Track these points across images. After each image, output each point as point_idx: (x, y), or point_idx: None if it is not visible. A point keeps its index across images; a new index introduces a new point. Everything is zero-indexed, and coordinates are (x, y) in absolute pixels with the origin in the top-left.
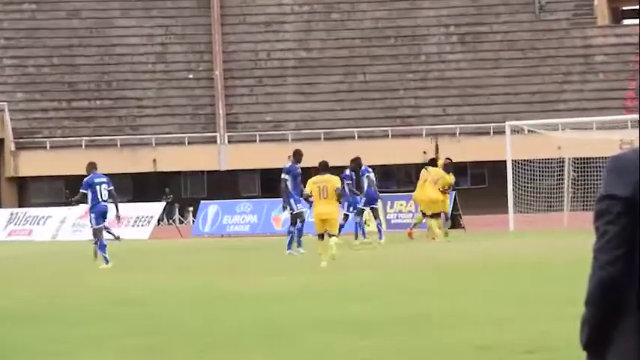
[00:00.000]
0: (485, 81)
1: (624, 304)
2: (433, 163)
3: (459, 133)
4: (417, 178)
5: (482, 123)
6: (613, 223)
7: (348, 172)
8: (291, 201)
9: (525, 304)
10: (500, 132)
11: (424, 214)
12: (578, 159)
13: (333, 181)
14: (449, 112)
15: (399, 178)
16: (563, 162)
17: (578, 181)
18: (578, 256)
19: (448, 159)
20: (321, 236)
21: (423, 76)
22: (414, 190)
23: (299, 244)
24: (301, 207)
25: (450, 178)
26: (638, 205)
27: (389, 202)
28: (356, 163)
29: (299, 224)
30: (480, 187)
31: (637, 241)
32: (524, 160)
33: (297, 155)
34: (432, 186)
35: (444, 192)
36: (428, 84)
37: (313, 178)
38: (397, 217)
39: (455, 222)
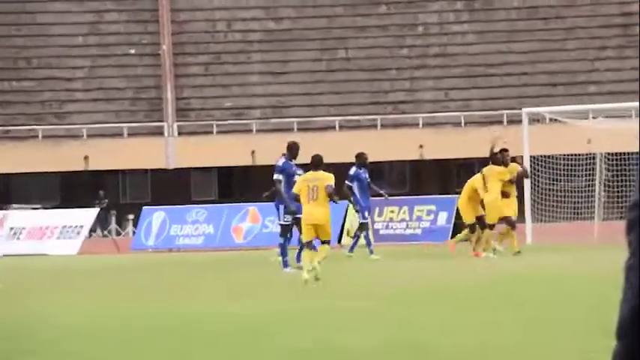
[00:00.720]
0: (498, 58)
1: None
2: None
3: (465, 123)
4: (412, 177)
5: (493, 110)
6: None
7: (354, 170)
8: (281, 208)
9: (546, 335)
10: (515, 121)
11: (473, 227)
12: (612, 154)
13: (326, 179)
14: (452, 96)
15: (391, 179)
16: (594, 158)
17: (612, 182)
18: (611, 276)
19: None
20: (308, 244)
21: (420, 52)
22: (407, 193)
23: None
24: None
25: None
26: None
27: (377, 209)
28: (361, 159)
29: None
30: None
31: None
32: (546, 156)
33: (293, 149)
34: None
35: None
36: (426, 62)
37: (304, 175)
38: (387, 227)
39: (458, 232)
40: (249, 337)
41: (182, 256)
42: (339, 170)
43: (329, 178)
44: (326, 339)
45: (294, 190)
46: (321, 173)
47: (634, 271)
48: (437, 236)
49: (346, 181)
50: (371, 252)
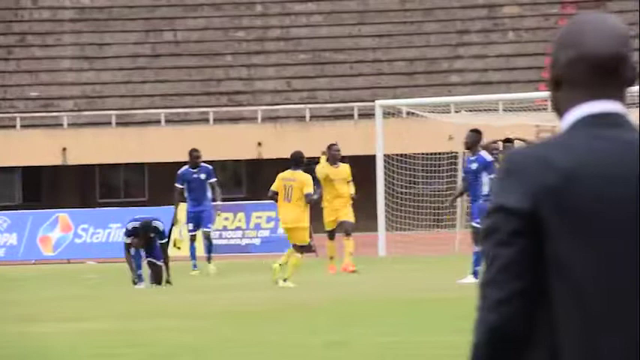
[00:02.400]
0: (347, 42)
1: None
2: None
3: (310, 117)
4: (250, 179)
5: (342, 102)
6: (506, 245)
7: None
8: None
9: None
10: (367, 115)
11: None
12: None
13: (303, 180)
14: (295, 86)
15: (225, 181)
16: (456, 158)
17: None
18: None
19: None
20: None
21: (259, 35)
22: (244, 198)
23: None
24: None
25: None
26: (543, 221)
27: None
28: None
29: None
30: None
31: (544, 272)
32: (401, 155)
33: (192, 156)
34: None
35: None
36: (266, 46)
37: (282, 173)
38: (220, 237)
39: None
40: None
41: None
42: (167, 171)
43: (306, 183)
44: None
45: (272, 187)
46: (298, 174)
47: (492, 286)
48: (278, 247)
49: (176, 184)
50: (194, 266)
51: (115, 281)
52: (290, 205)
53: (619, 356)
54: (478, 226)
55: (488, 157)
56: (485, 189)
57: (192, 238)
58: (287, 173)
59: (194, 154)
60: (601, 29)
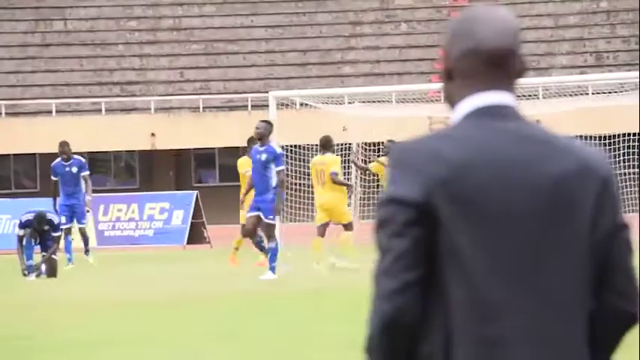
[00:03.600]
0: (240, 33)
1: (419, 348)
2: None
3: (203, 108)
4: (143, 170)
5: (235, 93)
6: (399, 235)
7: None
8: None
9: (288, 354)
10: (261, 106)
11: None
12: (371, 144)
13: (331, 163)
14: (188, 77)
15: (117, 173)
16: (350, 149)
17: (370, 176)
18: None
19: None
20: (320, 228)
21: (151, 25)
22: (137, 189)
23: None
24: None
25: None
26: (435, 210)
27: (102, 206)
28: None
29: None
30: (232, 184)
31: (438, 261)
32: (295, 147)
33: (60, 149)
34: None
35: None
36: (159, 36)
37: (314, 159)
38: (114, 228)
39: (197, 234)
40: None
41: None
42: (49, 162)
43: (333, 163)
44: None
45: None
46: (327, 157)
47: (385, 276)
48: (172, 238)
49: (51, 176)
50: (69, 260)
51: (5, 272)
52: (324, 187)
53: (510, 342)
54: (271, 222)
55: (278, 149)
56: (273, 182)
57: (67, 232)
58: (317, 158)
59: (62, 147)
60: (493, 22)
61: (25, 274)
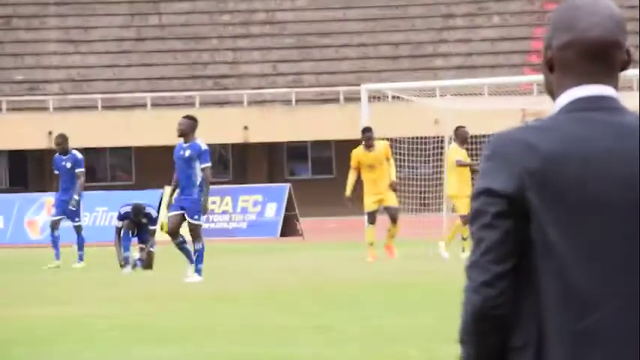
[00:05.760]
0: (333, 26)
1: (512, 340)
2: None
3: (296, 101)
4: (236, 163)
5: (328, 86)
6: (491, 227)
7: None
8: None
9: (379, 346)
10: (353, 99)
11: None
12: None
13: (382, 149)
14: (281, 70)
15: (212, 164)
16: (442, 142)
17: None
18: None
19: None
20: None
21: (244, 19)
22: (230, 182)
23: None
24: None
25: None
26: (528, 203)
27: None
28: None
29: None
30: (324, 177)
31: (530, 254)
32: (388, 139)
33: (55, 143)
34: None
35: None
36: (252, 30)
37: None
38: (208, 221)
39: (289, 226)
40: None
41: None
42: (154, 154)
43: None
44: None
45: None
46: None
47: (476, 268)
48: (265, 231)
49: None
50: (56, 256)
51: (102, 265)
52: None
53: (605, 333)
54: (196, 222)
55: (204, 145)
56: (198, 179)
57: (53, 225)
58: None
59: (57, 140)
60: (594, 13)
61: (121, 266)
